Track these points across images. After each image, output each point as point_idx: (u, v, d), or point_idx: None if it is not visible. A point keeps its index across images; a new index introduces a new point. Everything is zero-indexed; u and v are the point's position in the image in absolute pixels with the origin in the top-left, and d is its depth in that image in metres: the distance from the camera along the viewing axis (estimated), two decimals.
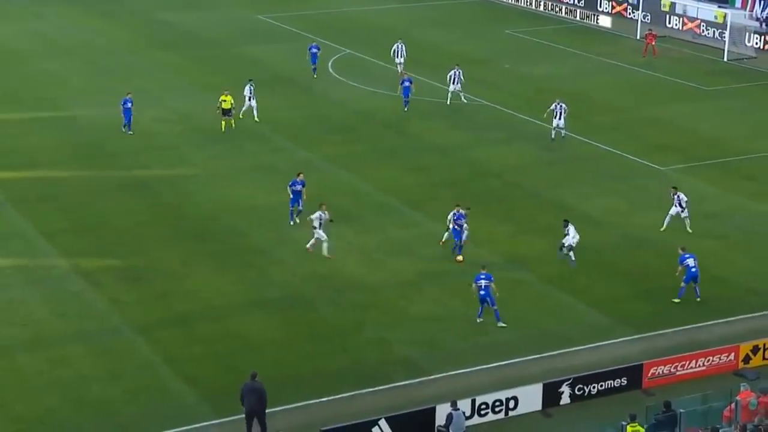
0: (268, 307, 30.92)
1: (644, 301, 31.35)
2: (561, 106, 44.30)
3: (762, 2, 63.92)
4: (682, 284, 30.96)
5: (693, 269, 30.90)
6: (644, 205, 38.23)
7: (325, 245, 33.51)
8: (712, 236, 35.54)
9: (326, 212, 33.72)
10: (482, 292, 29.57)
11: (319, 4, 74.66)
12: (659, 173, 41.63)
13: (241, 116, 45.57)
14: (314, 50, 55.05)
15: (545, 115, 44.60)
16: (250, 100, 46.49)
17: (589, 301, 31.20)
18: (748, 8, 64.37)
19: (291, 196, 36.00)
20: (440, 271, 33.16)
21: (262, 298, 31.39)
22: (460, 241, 33.75)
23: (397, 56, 55.24)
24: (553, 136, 44.08)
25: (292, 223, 35.80)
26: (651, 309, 30.88)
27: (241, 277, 32.64)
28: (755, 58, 59.88)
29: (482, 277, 29.74)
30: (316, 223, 33.56)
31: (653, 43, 60.48)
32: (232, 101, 45.85)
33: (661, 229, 35.34)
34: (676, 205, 35.52)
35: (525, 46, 63.21)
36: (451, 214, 34.06)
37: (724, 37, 60.69)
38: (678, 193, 35.72)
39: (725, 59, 59.91)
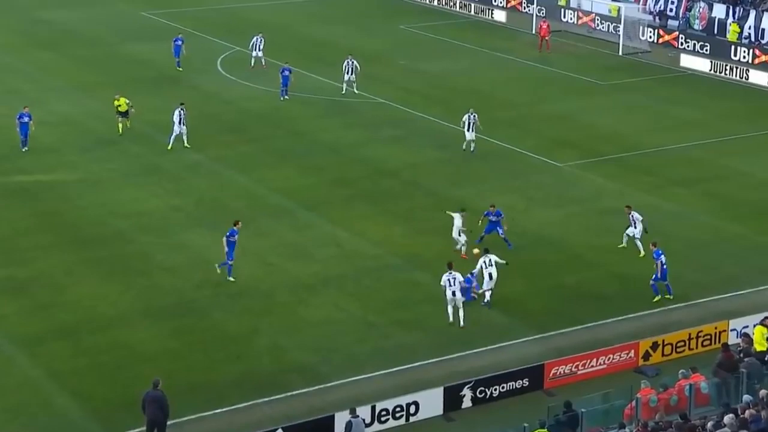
0: (158, 315, 30.43)
1: (544, 299, 31.74)
2: (473, 116, 42.87)
3: None
4: (652, 282, 31.26)
5: (665, 266, 31.22)
6: (542, 202, 38.73)
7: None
8: (611, 232, 36.16)
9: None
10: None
11: (206, 0, 73.91)
12: (557, 169, 42.22)
13: (169, 147, 42.92)
14: (178, 42, 54.80)
15: (461, 125, 43.50)
16: (180, 124, 43.04)
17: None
18: (641, 2, 65.83)
19: (226, 249, 32.06)
20: (337, 274, 33.08)
21: (151, 307, 30.88)
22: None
23: (256, 49, 55.11)
24: (464, 147, 43.01)
25: (231, 279, 32.10)
26: (551, 307, 31.27)
27: (129, 285, 32.07)
28: (649, 51, 61.21)
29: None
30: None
31: (547, 37, 61.40)
32: (127, 101, 45.04)
33: (619, 246, 34.62)
34: (632, 225, 34.31)
35: (420, 41, 63.52)
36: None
37: (619, 31, 61.93)
38: (632, 212, 34.56)
39: (620, 53, 61.10)
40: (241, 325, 30.05)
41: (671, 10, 64.42)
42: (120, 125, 44.80)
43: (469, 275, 31.23)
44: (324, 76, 54.12)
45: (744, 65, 57.05)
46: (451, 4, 73.05)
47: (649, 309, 31.16)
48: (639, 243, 34.49)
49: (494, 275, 30.93)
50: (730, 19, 61.00)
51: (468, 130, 42.80)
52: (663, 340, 28.65)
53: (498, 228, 34.49)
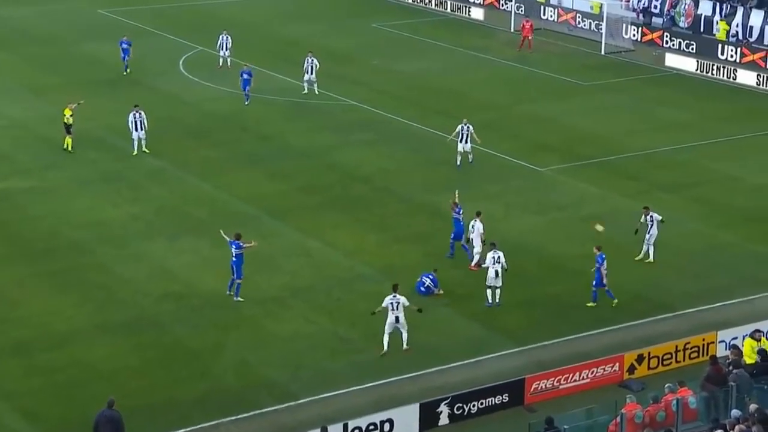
0: (116, 331, 30.23)
1: (524, 311, 31.74)
2: (467, 127, 42.06)
3: None
4: (594, 287, 31.47)
5: (605, 272, 31.35)
6: (522, 209, 38.78)
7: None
8: (594, 240, 36.18)
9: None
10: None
11: None
12: (537, 174, 42.30)
13: (134, 153, 42.42)
14: (124, 45, 54.74)
15: (450, 138, 42.64)
16: (137, 130, 42.51)
17: (465, 313, 31.44)
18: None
19: (234, 258, 31.59)
20: (307, 285, 32.98)
21: (109, 322, 30.68)
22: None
23: (223, 49, 55.05)
24: (459, 162, 42.16)
25: (229, 293, 31.66)
26: (531, 319, 31.28)
27: (85, 298, 31.85)
28: (633, 50, 61.48)
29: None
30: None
31: (530, 36, 61.57)
32: (71, 110, 43.47)
33: (636, 258, 34.66)
34: (649, 229, 34.27)
35: (393, 40, 63.59)
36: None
37: (601, 29, 62.19)
38: (651, 213, 34.50)
39: (603, 52, 61.36)
40: (205, 340, 29.89)
41: (655, 6, 64.74)
42: (65, 140, 43.48)
43: (432, 274, 31.66)
44: (292, 77, 54.06)
45: (732, 64, 57.41)
46: (426, 1, 73.17)
47: (634, 320, 31.23)
48: (651, 248, 34.46)
49: (500, 273, 31.41)
50: (717, 17, 61.39)
51: (461, 141, 41.95)
52: (649, 353, 28.71)
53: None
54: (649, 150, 45.15)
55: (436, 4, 72.41)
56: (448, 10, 71.24)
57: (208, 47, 59.38)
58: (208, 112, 49.33)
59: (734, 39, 60.25)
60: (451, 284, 32.80)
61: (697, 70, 57.73)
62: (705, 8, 62.07)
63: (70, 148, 43.20)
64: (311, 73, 51.41)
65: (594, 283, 31.65)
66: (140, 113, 43.23)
